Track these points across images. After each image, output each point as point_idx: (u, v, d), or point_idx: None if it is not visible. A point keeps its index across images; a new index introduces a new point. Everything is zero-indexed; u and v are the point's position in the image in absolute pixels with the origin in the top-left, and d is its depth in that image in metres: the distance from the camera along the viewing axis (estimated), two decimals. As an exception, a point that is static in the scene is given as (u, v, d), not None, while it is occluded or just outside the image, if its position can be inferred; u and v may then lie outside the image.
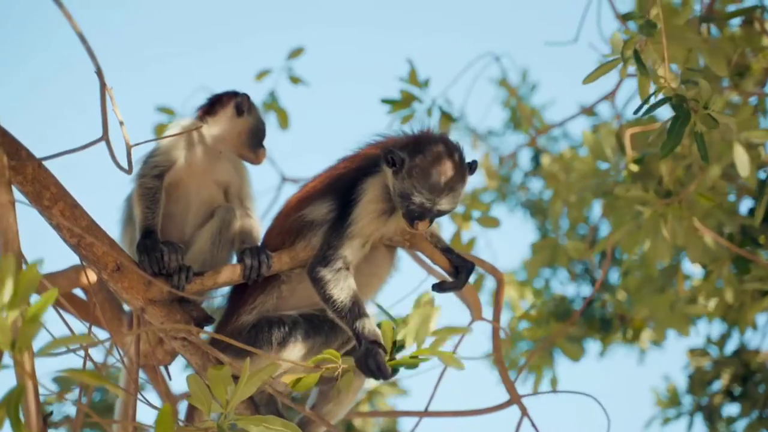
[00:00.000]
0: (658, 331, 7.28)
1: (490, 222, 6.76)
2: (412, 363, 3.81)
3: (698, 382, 7.89)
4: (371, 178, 4.07)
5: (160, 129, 7.55)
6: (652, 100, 4.24)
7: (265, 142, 4.48)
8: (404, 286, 4.88)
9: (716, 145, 5.45)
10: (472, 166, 4.08)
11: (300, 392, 3.83)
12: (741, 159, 5.29)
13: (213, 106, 4.43)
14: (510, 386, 4.94)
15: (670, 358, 10.13)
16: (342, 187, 4.10)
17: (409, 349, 3.81)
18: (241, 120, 4.39)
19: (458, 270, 4.22)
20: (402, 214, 4.01)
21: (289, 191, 4.44)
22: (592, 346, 8.50)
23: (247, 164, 4.45)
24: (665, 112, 4.86)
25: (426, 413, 4.84)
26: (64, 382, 6.01)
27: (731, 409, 7.86)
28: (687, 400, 8.11)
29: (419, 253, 4.41)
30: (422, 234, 4.19)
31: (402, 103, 6.93)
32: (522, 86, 9.85)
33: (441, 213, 4.00)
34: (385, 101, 6.91)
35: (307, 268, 4.01)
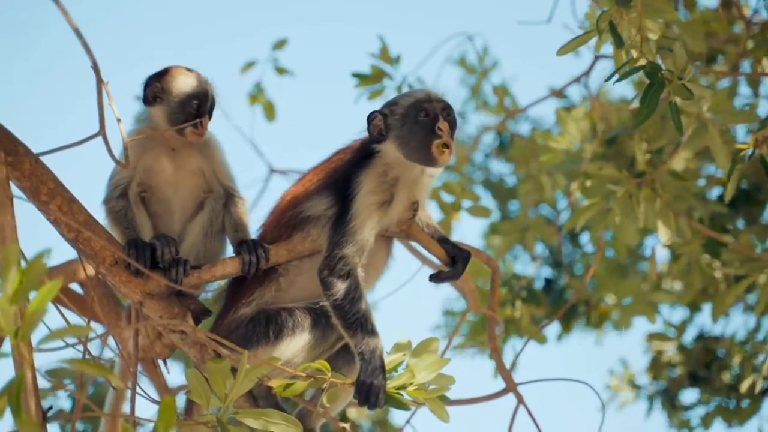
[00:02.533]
0: (623, 318, 7.31)
1: (481, 212, 6.76)
2: (404, 405, 3.78)
3: (658, 366, 7.92)
4: (366, 170, 4.07)
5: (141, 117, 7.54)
6: (627, 70, 4.23)
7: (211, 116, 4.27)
8: (401, 277, 4.89)
9: (690, 128, 5.46)
10: None
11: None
12: (715, 141, 5.31)
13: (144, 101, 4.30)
14: (506, 375, 4.97)
15: (629, 342, 10.16)
16: (338, 180, 4.10)
17: (401, 381, 3.77)
18: (156, 108, 4.24)
19: (455, 260, 4.23)
20: (423, 145, 3.98)
21: (277, 183, 4.40)
22: (552, 328, 8.52)
23: (219, 142, 4.36)
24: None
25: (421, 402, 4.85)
26: (57, 375, 6.00)
27: (691, 395, 7.90)
28: (646, 385, 8.14)
29: (415, 244, 4.42)
30: (418, 224, 4.20)
31: (372, 78, 6.91)
32: (488, 67, 9.81)
33: (444, 105, 4.03)
34: (355, 75, 6.88)
35: (317, 270, 3.98)
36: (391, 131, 4.03)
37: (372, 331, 3.88)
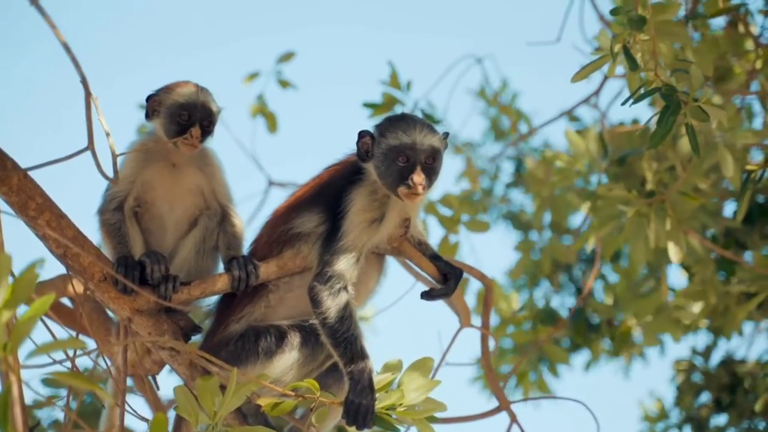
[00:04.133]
0: (649, 336, 7.25)
1: (479, 226, 6.74)
2: (393, 426, 3.75)
3: (686, 393, 7.89)
4: (357, 188, 4.05)
5: (143, 130, 7.53)
6: (642, 92, 4.22)
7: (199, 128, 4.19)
8: (393, 293, 4.86)
9: (701, 147, 5.45)
10: (446, 134, 4.10)
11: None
12: (725, 159, 5.29)
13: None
14: (499, 393, 4.95)
15: (655, 372, 10.12)
16: (329, 197, 4.07)
17: (390, 401, 3.75)
18: (156, 122, 4.23)
19: (446, 277, 4.20)
20: (393, 185, 3.95)
21: (277, 195, 4.36)
22: (578, 359, 8.49)
23: (220, 160, 4.34)
24: (647, 114, 4.83)
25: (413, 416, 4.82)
26: (53, 385, 5.96)
27: (720, 419, 7.86)
28: (674, 413, 8.11)
29: (407, 261, 4.40)
30: (410, 241, 4.17)
31: (384, 107, 6.89)
32: (503, 93, 9.83)
33: (428, 154, 3.96)
34: (366, 105, 6.87)
35: (307, 287, 3.95)
36: (374, 158, 4.01)
37: (361, 351, 3.85)
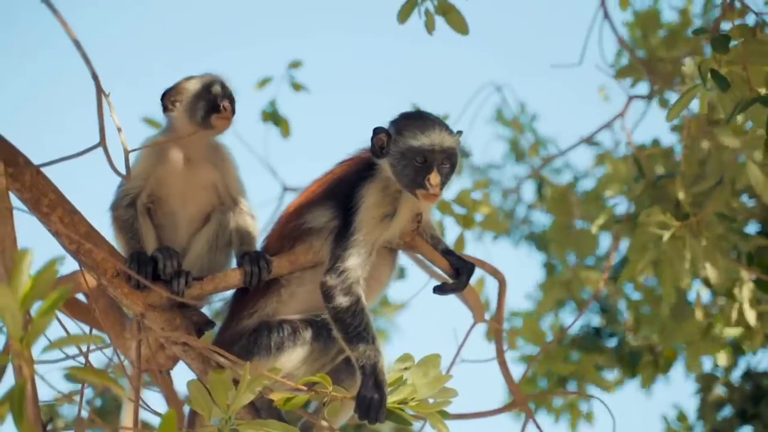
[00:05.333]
0: (692, 359, 7.20)
1: (494, 225, 6.74)
2: (405, 421, 3.77)
3: (710, 406, 7.85)
4: (369, 183, 4.05)
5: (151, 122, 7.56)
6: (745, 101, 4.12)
7: (231, 103, 4.23)
8: (408, 289, 4.87)
9: (729, 166, 5.43)
10: (459, 133, 4.10)
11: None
12: (756, 177, 5.26)
13: (163, 113, 4.31)
14: (514, 388, 4.94)
15: (676, 387, 10.05)
16: (341, 192, 4.08)
17: (402, 395, 3.76)
18: (177, 112, 4.23)
19: (459, 272, 4.20)
20: (409, 185, 3.95)
21: (291, 200, 4.35)
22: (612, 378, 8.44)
23: (233, 155, 4.35)
24: (667, 136, 4.78)
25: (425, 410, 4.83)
26: (74, 380, 5.99)
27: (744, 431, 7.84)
28: (698, 428, 8.08)
29: (419, 256, 4.40)
30: (422, 236, 4.18)
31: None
32: (522, 116, 9.83)
33: (446, 154, 3.95)
34: None
35: (319, 282, 3.96)
36: (390, 155, 4.01)
37: (374, 345, 3.86)
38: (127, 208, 4.14)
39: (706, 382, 7.85)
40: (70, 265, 4.19)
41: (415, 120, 4.05)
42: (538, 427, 4.81)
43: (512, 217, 10.14)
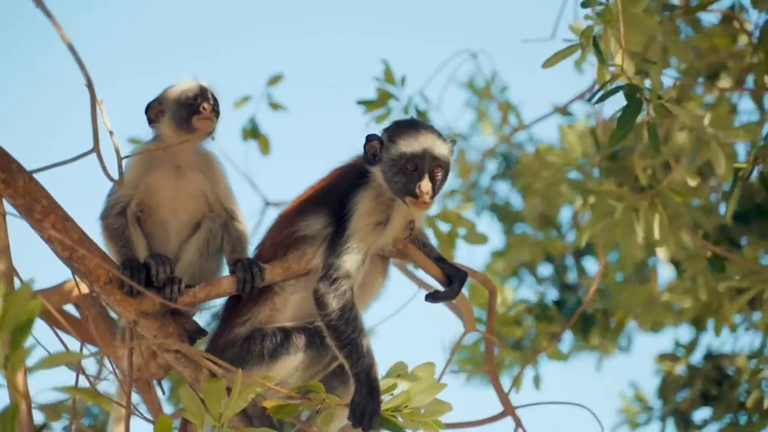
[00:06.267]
0: (644, 321, 7.29)
1: (478, 238, 6.74)
2: (398, 428, 3.76)
3: (670, 386, 7.88)
4: (362, 191, 4.05)
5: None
6: (607, 90, 4.20)
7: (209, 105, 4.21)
8: (398, 299, 4.87)
9: (692, 143, 5.46)
10: (452, 142, 4.11)
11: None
12: (717, 157, 5.29)
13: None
14: (503, 397, 4.93)
15: (635, 367, 10.06)
16: (334, 200, 4.08)
17: (396, 403, 3.76)
18: (162, 122, 4.24)
19: (451, 280, 4.20)
20: (401, 193, 3.96)
21: (273, 215, 4.35)
22: (566, 345, 8.46)
23: (222, 162, 4.35)
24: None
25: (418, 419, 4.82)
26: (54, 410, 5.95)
27: (703, 413, 7.86)
28: (657, 406, 8.10)
29: (410, 266, 4.40)
30: (415, 244, 4.18)
31: (377, 103, 6.84)
32: (493, 87, 9.81)
33: (437, 162, 3.96)
34: (360, 102, 6.83)
35: (312, 290, 3.96)
36: (382, 162, 4.02)
37: (367, 352, 3.85)
38: (117, 217, 4.13)
39: (666, 362, 7.87)
40: (62, 272, 4.17)
41: (408, 127, 4.06)
42: (527, 436, 4.82)
43: (475, 186, 10.11)
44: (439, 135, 4.03)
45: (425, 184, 3.92)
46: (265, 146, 8.08)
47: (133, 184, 4.17)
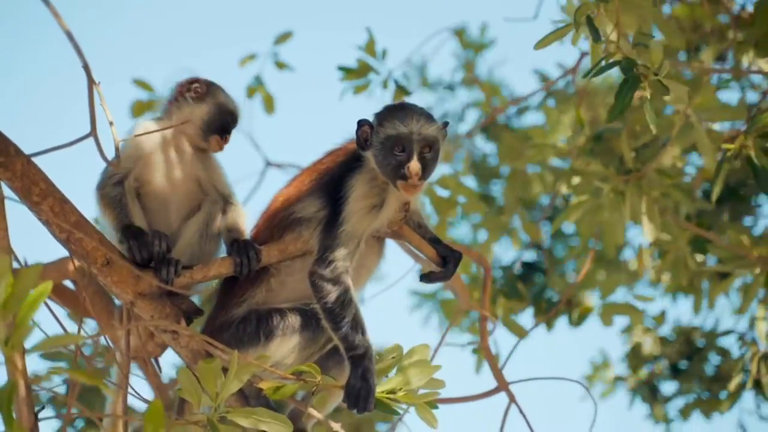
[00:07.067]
0: (606, 316, 7.34)
1: (476, 207, 6.77)
2: (393, 410, 3.80)
3: (637, 357, 7.94)
4: (357, 174, 4.08)
5: (137, 106, 7.54)
6: (602, 65, 4.21)
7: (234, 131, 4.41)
8: (392, 275, 4.90)
9: (677, 125, 5.46)
10: (445, 124, 4.13)
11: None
12: (701, 139, 5.30)
13: (173, 97, 4.39)
14: (498, 374, 4.99)
15: (610, 331, 10.15)
16: (329, 183, 4.11)
17: (391, 385, 3.80)
18: (195, 106, 4.32)
19: (446, 260, 4.24)
20: (391, 176, 3.98)
21: (274, 176, 4.40)
22: (528, 318, 8.52)
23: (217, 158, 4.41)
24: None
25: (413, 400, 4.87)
26: (52, 358, 5.98)
27: (671, 387, 7.93)
28: (627, 376, 8.17)
29: (407, 243, 4.43)
30: (409, 225, 4.20)
31: (358, 72, 6.82)
32: (478, 58, 9.77)
33: (424, 144, 3.97)
34: (340, 68, 6.81)
35: (308, 272, 3.99)
36: (373, 147, 4.04)
37: (362, 334, 3.89)
38: (115, 186, 4.15)
39: (635, 334, 7.93)
40: (60, 253, 4.19)
41: (396, 111, 4.07)
42: (520, 410, 4.86)
43: (455, 144, 10.12)
44: (428, 116, 4.03)
45: (414, 165, 3.93)
46: (269, 105, 8.08)
47: (133, 157, 4.20)
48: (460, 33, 9.85)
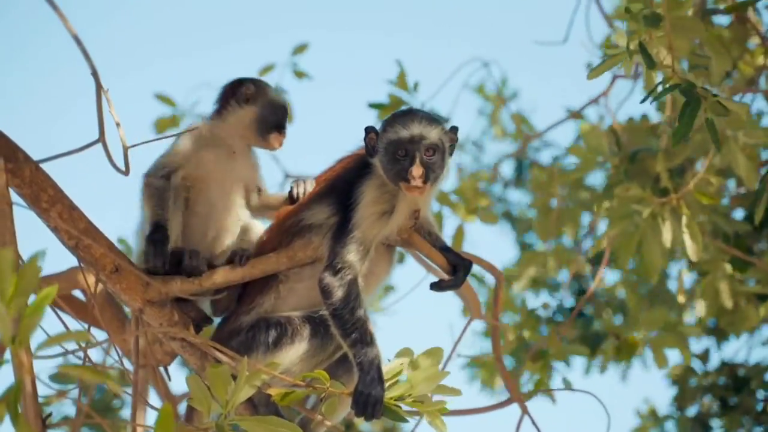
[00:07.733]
0: (657, 352, 7.23)
1: (490, 218, 6.77)
2: (401, 417, 3.78)
3: (685, 396, 7.88)
4: (367, 180, 4.07)
5: (160, 123, 7.55)
6: (660, 90, 4.20)
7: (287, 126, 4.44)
8: (404, 285, 4.88)
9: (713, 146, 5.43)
10: (454, 129, 4.12)
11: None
12: (736, 158, 5.27)
13: (221, 100, 4.37)
14: (510, 384, 4.95)
15: (652, 376, 10.07)
16: (339, 189, 4.10)
17: (399, 392, 3.77)
18: (246, 109, 4.32)
19: (456, 269, 4.22)
20: (395, 179, 3.97)
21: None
22: (578, 362, 8.45)
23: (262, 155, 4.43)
24: (655, 113, 4.78)
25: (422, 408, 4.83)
26: (62, 379, 5.99)
27: (720, 423, 7.86)
28: (671, 419, 8.11)
29: (418, 252, 4.41)
30: (419, 233, 4.19)
31: (390, 107, 6.86)
32: (506, 93, 9.81)
33: (427, 147, 3.96)
34: (372, 105, 6.85)
35: (317, 278, 3.97)
36: (378, 153, 4.03)
37: (371, 341, 3.87)
38: (161, 179, 4.15)
39: (681, 376, 7.86)
40: (69, 261, 4.19)
41: (400, 116, 4.08)
42: (533, 422, 4.82)
43: (488, 195, 10.14)
44: (431, 119, 4.03)
45: (416, 169, 3.92)
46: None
47: (185, 154, 4.20)
48: (480, 89, 9.89)
